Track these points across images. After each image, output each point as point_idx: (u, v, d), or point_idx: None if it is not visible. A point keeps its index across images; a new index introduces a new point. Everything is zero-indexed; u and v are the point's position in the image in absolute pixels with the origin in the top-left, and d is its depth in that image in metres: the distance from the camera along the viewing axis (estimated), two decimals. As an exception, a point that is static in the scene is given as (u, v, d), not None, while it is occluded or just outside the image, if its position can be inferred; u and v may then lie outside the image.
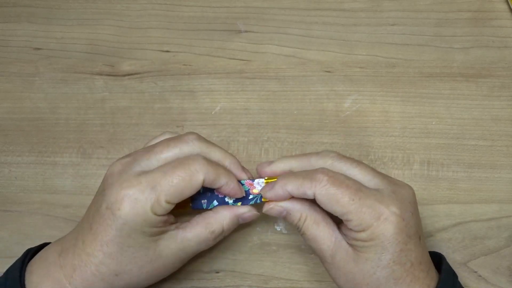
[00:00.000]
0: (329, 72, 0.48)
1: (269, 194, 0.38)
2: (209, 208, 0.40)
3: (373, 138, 0.46)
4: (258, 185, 0.40)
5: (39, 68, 0.49)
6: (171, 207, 0.36)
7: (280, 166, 0.39)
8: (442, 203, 0.45)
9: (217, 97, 0.48)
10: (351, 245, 0.36)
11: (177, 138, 0.38)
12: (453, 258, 0.44)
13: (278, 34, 0.49)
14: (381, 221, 0.35)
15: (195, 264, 0.44)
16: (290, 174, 0.38)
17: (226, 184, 0.38)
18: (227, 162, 0.39)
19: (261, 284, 0.44)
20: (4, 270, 0.37)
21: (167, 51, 0.49)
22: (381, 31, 0.49)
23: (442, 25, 0.49)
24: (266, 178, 0.40)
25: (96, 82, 0.49)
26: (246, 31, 0.50)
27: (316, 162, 0.38)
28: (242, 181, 0.40)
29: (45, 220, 0.45)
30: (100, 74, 0.49)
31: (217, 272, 0.44)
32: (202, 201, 0.40)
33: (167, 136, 0.40)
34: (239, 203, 0.40)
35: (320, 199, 0.36)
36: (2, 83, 0.49)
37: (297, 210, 0.38)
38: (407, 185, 0.38)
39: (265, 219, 0.45)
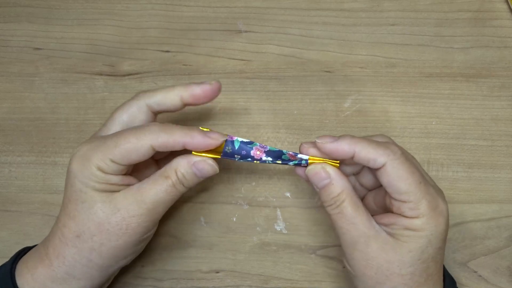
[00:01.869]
0: (329, 72, 0.48)
1: (329, 146, 0.35)
2: (241, 161, 0.38)
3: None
4: (299, 159, 0.37)
5: (39, 68, 0.49)
6: (119, 167, 0.36)
7: (346, 146, 0.35)
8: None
9: (217, 97, 0.48)
10: (392, 234, 0.35)
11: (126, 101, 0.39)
12: (453, 258, 0.44)
13: (278, 34, 0.49)
14: (437, 213, 0.34)
15: (195, 264, 0.44)
16: (359, 137, 0.35)
17: (188, 142, 0.36)
18: (176, 92, 0.38)
19: (261, 284, 0.44)
20: (4, 270, 0.38)
21: (167, 51, 0.49)
22: (381, 31, 0.49)
23: (442, 25, 0.49)
24: (310, 157, 0.37)
25: (96, 82, 0.49)
26: (246, 31, 0.50)
27: (380, 158, 0.35)
28: (285, 151, 0.37)
29: (45, 220, 0.45)
30: (100, 74, 0.49)
31: (217, 272, 0.44)
32: (236, 155, 0.37)
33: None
34: (279, 161, 0.37)
35: (390, 170, 0.34)
36: (2, 83, 0.49)
37: (341, 184, 0.35)
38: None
39: (265, 219, 0.45)
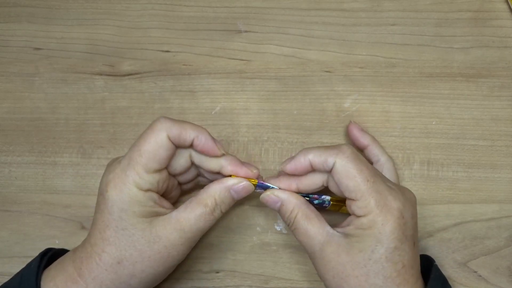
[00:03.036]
0: (329, 72, 0.48)
1: (289, 166, 0.38)
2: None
3: (373, 138, 0.46)
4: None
5: (39, 68, 0.49)
6: (153, 177, 0.36)
7: (301, 158, 0.38)
8: (442, 203, 0.45)
9: (217, 97, 0.48)
10: (346, 235, 0.36)
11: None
12: (453, 258, 0.44)
13: (278, 34, 0.49)
14: (384, 211, 0.35)
15: (195, 264, 0.44)
16: (312, 147, 0.39)
17: (196, 137, 0.37)
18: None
19: (261, 284, 0.44)
20: (4, 270, 0.38)
21: (167, 51, 0.49)
22: (381, 31, 0.49)
23: (442, 25, 0.49)
24: (331, 198, 0.40)
25: (96, 82, 0.49)
26: (246, 31, 0.50)
27: (330, 158, 0.37)
28: (310, 197, 0.40)
29: (45, 220, 0.45)
30: (100, 74, 0.49)
31: (217, 272, 0.44)
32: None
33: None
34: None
35: (339, 169, 0.36)
36: (2, 83, 0.49)
37: (291, 202, 0.38)
38: (411, 191, 0.39)
39: (265, 219, 0.45)
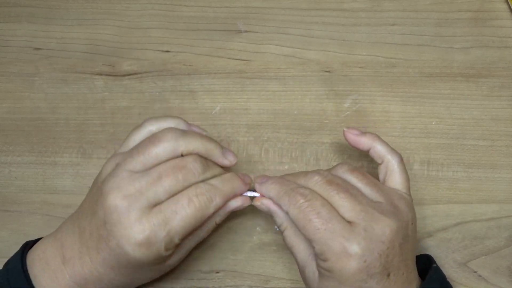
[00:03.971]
0: (329, 72, 0.48)
1: (258, 188, 0.39)
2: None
3: (373, 138, 0.46)
4: None
5: (39, 68, 0.49)
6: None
7: (264, 190, 0.39)
8: (442, 203, 0.45)
9: (217, 97, 0.48)
10: (317, 265, 0.36)
11: (151, 144, 0.37)
12: (453, 258, 0.44)
13: (278, 34, 0.49)
14: (341, 258, 0.34)
15: (195, 264, 0.44)
16: (279, 180, 0.39)
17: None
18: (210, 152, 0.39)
19: (261, 284, 0.44)
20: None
21: (167, 51, 0.49)
22: (381, 31, 0.49)
23: (442, 25, 0.49)
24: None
25: (96, 82, 0.49)
26: (246, 31, 0.50)
27: (303, 183, 0.38)
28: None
29: (45, 220, 0.45)
30: (100, 74, 0.49)
31: (217, 272, 0.44)
32: None
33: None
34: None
35: (292, 218, 0.36)
36: (2, 83, 0.49)
37: (280, 216, 0.38)
38: (388, 220, 0.35)
39: (265, 219, 0.45)
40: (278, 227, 0.39)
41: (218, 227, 0.45)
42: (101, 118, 0.48)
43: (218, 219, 0.39)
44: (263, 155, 0.47)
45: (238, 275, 0.44)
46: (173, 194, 0.36)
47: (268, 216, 0.45)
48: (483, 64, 0.48)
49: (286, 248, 0.44)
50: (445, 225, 0.44)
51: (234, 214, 0.45)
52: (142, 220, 0.34)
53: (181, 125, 0.39)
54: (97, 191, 0.37)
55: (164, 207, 0.35)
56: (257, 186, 0.39)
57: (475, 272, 0.43)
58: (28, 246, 0.39)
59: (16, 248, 0.39)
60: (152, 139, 0.37)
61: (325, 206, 0.36)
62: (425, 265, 0.39)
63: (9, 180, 0.47)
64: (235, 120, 0.47)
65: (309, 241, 0.36)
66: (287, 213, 0.37)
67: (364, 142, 0.41)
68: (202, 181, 0.37)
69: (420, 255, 0.41)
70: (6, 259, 0.38)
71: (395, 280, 0.36)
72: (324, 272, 0.35)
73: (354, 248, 0.34)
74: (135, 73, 0.49)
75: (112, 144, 0.47)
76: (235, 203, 0.39)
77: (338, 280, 0.35)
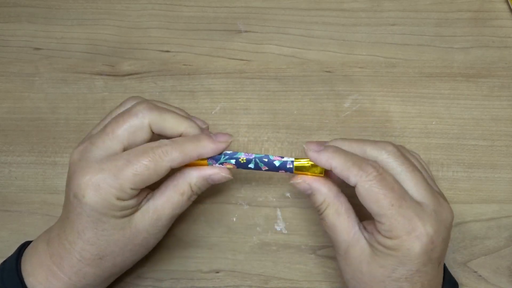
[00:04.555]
0: (329, 72, 0.48)
1: (312, 154, 0.36)
2: (224, 162, 0.38)
3: (373, 138, 0.46)
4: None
5: (39, 68, 0.49)
6: (137, 192, 0.36)
7: (324, 159, 0.36)
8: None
9: (217, 97, 0.48)
10: (371, 244, 0.35)
11: (126, 113, 0.37)
12: (453, 258, 0.44)
13: (278, 34, 0.49)
14: (412, 237, 0.33)
15: (195, 264, 0.44)
16: (341, 151, 0.36)
17: (201, 153, 0.37)
18: (183, 127, 0.37)
19: (261, 284, 0.44)
20: (4, 270, 0.38)
21: (167, 51, 0.49)
22: (381, 31, 0.49)
23: (442, 25, 0.49)
24: (295, 158, 0.38)
25: (96, 82, 0.49)
26: (246, 31, 0.50)
27: (371, 152, 0.36)
28: (271, 156, 0.38)
29: (45, 220, 0.45)
30: (100, 74, 0.49)
31: (217, 272, 0.44)
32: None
33: (131, 101, 0.39)
34: (265, 167, 0.38)
35: (361, 192, 0.34)
36: (2, 83, 0.49)
37: (322, 194, 0.36)
38: (450, 208, 0.36)
39: (265, 219, 0.45)
40: (318, 206, 0.37)
41: (218, 227, 0.45)
42: (101, 118, 0.48)
43: (195, 187, 0.37)
44: (263, 155, 0.47)
45: (238, 275, 0.44)
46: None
47: (269, 215, 0.45)
48: (483, 64, 0.48)
49: (286, 248, 0.44)
50: (445, 225, 0.44)
51: (234, 214, 0.45)
52: (94, 167, 0.35)
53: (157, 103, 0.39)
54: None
55: (118, 157, 0.35)
56: (312, 155, 0.36)
57: (475, 272, 0.43)
58: (25, 247, 0.39)
59: (16, 248, 0.39)
60: (122, 106, 0.39)
61: (397, 182, 0.35)
62: None
63: (9, 180, 0.47)
64: (235, 120, 0.47)
65: (376, 217, 0.34)
66: (353, 184, 0.35)
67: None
68: None
69: None
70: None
71: (440, 270, 0.36)
72: (384, 250, 0.34)
73: (428, 228, 0.34)
74: (135, 73, 0.49)
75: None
76: (210, 171, 0.38)
77: (399, 259, 0.34)
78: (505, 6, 0.49)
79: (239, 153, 0.38)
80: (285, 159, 0.38)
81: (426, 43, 0.49)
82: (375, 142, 0.37)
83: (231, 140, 0.38)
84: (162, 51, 0.49)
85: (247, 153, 0.39)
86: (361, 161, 0.35)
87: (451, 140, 0.46)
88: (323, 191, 0.37)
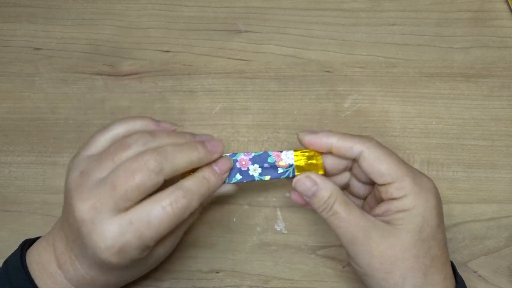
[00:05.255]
0: (329, 72, 0.48)
1: (307, 139, 0.37)
2: (231, 182, 0.38)
3: (373, 138, 0.46)
4: (286, 158, 0.38)
5: (39, 68, 0.49)
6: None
7: (323, 140, 0.37)
8: (442, 203, 0.45)
9: (217, 97, 0.48)
10: (388, 221, 0.35)
11: (137, 173, 0.34)
12: (453, 258, 0.44)
13: (278, 34, 0.49)
14: (424, 189, 0.35)
15: (195, 264, 0.44)
16: (335, 131, 0.38)
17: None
18: (194, 162, 0.36)
19: (261, 284, 0.44)
20: (4, 270, 0.38)
21: (167, 51, 0.49)
22: (381, 31, 0.49)
23: (442, 25, 0.49)
24: (295, 150, 0.38)
25: (96, 82, 0.49)
26: (246, 31, 0.50)
27: (356, 145, 0.37)
28: (270, 152, 0.38)
29: (45, 220, 0.45)
30: (100, 74, 0.49)
31: (217, 272, 0.44)
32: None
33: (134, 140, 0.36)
34: (267, 177, 0.38)
35: (368, 155, 0.36)
36: (2, 83, 0.49)
37: (328, 188, 0.36)
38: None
39: (265, 219, 0.45)
40: (325, 201, 0.36)
41: (218, 227, 0.45)
42: (101, 118, 0.48)
43: (205, 203, 0.37)
44: (263, 155, 0.47)
45: (238, 275, 0.44)
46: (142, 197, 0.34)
47: (269, 215, 0.45)
48: (483, 64, 0.48)
49: (286, 248, 0.44)
50: (445, 225, 0.44)
51: (234, 215, 0.45)
52: (110, 229, 0.33)
53: (150, 125, 0.37)
54: (66, 200, 0.36)
55: (134, 212, 0.34)
56: (310, 138, 0.37)
57: (475, 272, 0.43)
58: (27, 244, 0.39)
59: (16, 248, 0.39)
60: (121, 144, 0.35)
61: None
62: None
63: (9, 180, 0.47)
64: (235, 120, 0.47)
65: (387, 177, 0.35)
66: (356, 154, 0.36)
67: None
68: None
69: None
70: (6, 259, 0.38)
71: (446, 242, 0.37)
72: (403, 215, 0.35)
73: (430, 182, 0.36)
74: (135, 73, 0.49)
75: (112, 144, 0.47)
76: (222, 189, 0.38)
77: (422, 216, 0.34)
78: (505, 6, 0.49)
79: (238, 154, 0.38)
80: (283, 154, 0.38)
81: (426, 43, 0.49)
82: (359, 136, 0.38)
83: (223, 147, 0.37)
84: (162, 51, 0.49)
85: (246, 152, 0.39)
86: (360, 135, 0.37)
87: (451, 140, 0.46)
88: (328, 184, 0.36)
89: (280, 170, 0.39)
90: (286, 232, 0.45)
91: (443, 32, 0.49)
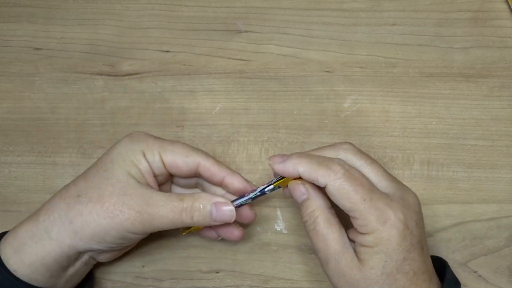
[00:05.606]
0: (329, 72, 0.48)
1: (277, 167, 0.37)
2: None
3: (373, 138, 0.46)
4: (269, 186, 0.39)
5: (39, 68, 0.49)
6: (159, 168, 0.38)
7: (290, 167, 0.37)
8: (442, 203, 0.45)
9: (217, 97, 0.48)
10: (356, 251, 0.36)
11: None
12: (453, 258, 0.44)
13: (278, 34, 0.49)
14: (387, 226, 0.34)
15: (195, 264, 0.44)
16: (305, 154, 0.37)
17: (227, 175, 0.39)
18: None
19: (261, 284, 0.44)
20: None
21: (167, 51, 0.49)
22: (381, 31, 0.49)
23: (442, 25, 0.49)
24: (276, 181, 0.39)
25: (96, 82, 0.49)
26: (246, 31, 0.50)
27: (329, 154, 0.38)
28: (260, 188, 0.39)
29: (45, 220, 0.45)
30: (100, 74, 0.49)
31: (217, 272, 0.44)
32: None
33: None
34: (257, 193, 0.39)
35: (332, 191, 0.35)
36: (2, 83, 0.49)
37: (317, 200, 0.37)
38: (413, 193, 0.38)
39: (265, 219, 0.45)
40: (309, 212, 0.37)
41: (218, 227, 0.45)
42: (101, 118, 0.48)
43: (196, 204, 0.38)
44: (263, 155, 0.47)
45: (238, 275, 0.44)
46: None
47: (269, 215, 0.45)
48: (483, 64, 0.48)
49: (286, 248, 0.44)
50: (445, 225, 0.44)
51: (234, 214, 0.45)
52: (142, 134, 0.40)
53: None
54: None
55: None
56: (278, 167, 0.37)
57: (475, 272, 0.43)
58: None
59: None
60: None
61: (364, 177, 0.36)
62: (437, 268, 0.39)
63: (9, 180, 0.47)
64: (235, 120, 0.47)
65: (350, 213, 0.35)
66: (323, 185, 0.35)
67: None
68: None
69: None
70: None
71: (426, 255, 0.37)
72: (368, 250, 0.35)
73: (399, 215, 0.35)
74: (135, 73, 0.49)
75: (112, 144, 0.47)
76: (219, 198, 0.38)
77: (384, 253, 0.34)
78: (505, 6, 0.49)
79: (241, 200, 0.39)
80: (264, 186, 0.39)
81: (426, 43, 0.49)
82: (330, 145, 0.39)
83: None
84: (162, 51, 0.49)
85: (243, 196, 0.40)
86: (327, 160, 0.36)
87: (451, 140, 0.46)
88: (317, 198, 0.37)
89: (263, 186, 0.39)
90: (286, 232, 0.45)
91: (443, 32, 0.49)
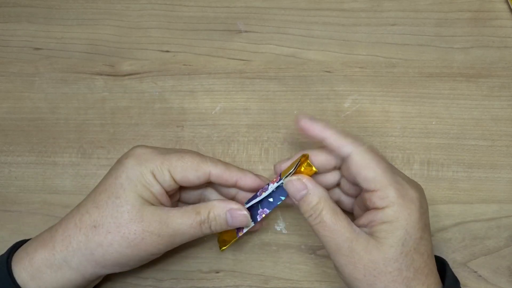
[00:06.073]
0: (329, 72, 0.48)
1: (303, 122, 0.38)
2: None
3: (373, 138, 0.46)
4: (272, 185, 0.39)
5: (39, 68, 0.49)
6: (169, 182, 0.37)
7: (317, 130, 0.38)
8: (442, 203, 0.45)
9: (217, 97, 0.48)
10: (372, 233, 0.35)
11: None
12: (453, 258, 0.44)
13: (278, 34, 0.49)
14: (407, 201, 0.35)
15: (195, 264, 0.44)
16: (332, 125, 0.38)
17: (240, 178, 0.39)
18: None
19: (261, 284, 0.44)
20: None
21: (167, 51, 0.49)
22: (381, 31, 0.49)
23: (442, 25, 0.49)
24: (283, 172, 0.39)
25: (96, 82, 0.49)
26: (246, 31, 0.50)
27: (347, 146, 0.37)
28: (268, 186, 0.39)
29: (45, 220, 0.45)
30: (100, 74, 0.49)
31: (217, 272, 0.44)
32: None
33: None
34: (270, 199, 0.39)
35: (356, 158, 0.36)
36: (2, 83, 0.49)
37: (318, 193, 0.36)
38: (418, 183, 0.38)
39: (265, 219, 0.45)
40: (313, 206, 0.36)
41: (218, 227, 0.45)
42: (101, 118, 0.48)
43: (212, 215, 0.39)
44: (263, 155, 0.47)
45: (238, 275, 0.44)
46: None
47: (269, 215, 0.45)
48: (483, 64, 0.48)
49: (286, 248, 0.44)
50: (445, 225, 0.44)
51: (234, 214, 0.45)
52: (147, 149, 0.39)
53: None
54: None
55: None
56: (306, 122, 0.37)
57: (475, 272, 0.43)
58: (15, 248, 0.39)
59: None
60: None
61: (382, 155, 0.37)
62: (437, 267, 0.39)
63: (9, 180, 0.47)
64: (235, 120, 0.47)
65: (371, 184, 0.35)
66: (345, 154, 0.36)
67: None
68: None
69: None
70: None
71: (431, 247, 0.37)
72: (388, 227, 0.34)
73: (415, 193, 0.36)
74: (135, 73, 0.49)
75: (112, 144, 0.47)
76: (233, 205, 0.39)
77: (404, 229, 0.34)
78: (505, 6, 0.49)
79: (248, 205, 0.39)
80: (270, 186, 0.39)
81: (426, 43, 0.49)
82: (348, 133, 0.38)
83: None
84: (162, 51, 0.49)
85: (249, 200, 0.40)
86: (354, 136, 0.37)
87: (451, 140, 0.46)
88: (318, 190, 0.36)
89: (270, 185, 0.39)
90: (286, 232, 0.45)
91: (443, 32, 0.49)
